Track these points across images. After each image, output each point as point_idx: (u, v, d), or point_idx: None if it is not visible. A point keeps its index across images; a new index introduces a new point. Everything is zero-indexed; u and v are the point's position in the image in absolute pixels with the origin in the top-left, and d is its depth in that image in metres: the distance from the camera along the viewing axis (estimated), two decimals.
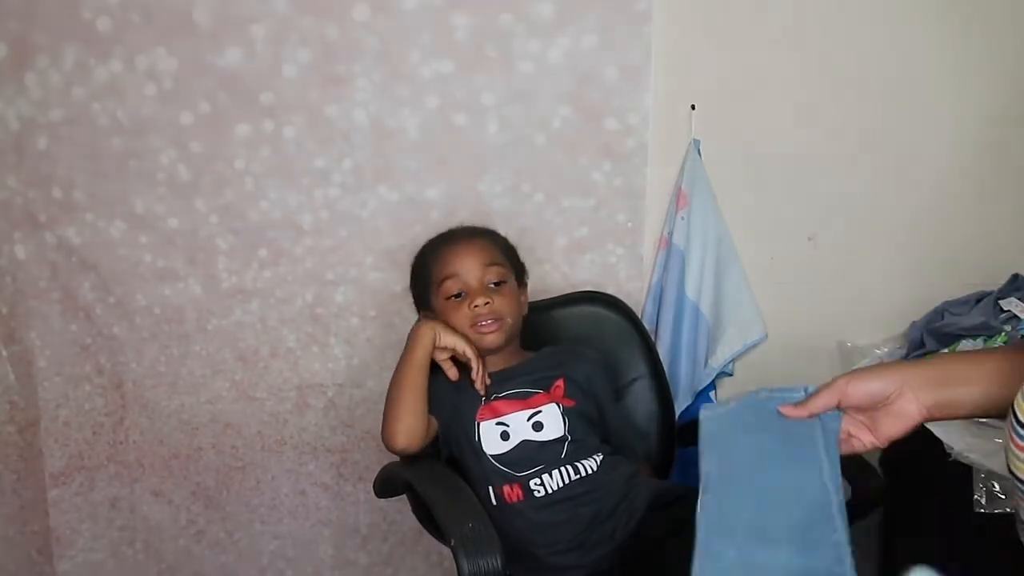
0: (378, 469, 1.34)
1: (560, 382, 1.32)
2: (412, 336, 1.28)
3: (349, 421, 1.65)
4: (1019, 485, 0.79)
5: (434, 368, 1.29)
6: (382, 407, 1.29)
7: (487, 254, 1.33)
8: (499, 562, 1.00)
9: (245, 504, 1.67)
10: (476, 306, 1.29)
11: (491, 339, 1.30)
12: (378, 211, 1.52)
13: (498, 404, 1.29)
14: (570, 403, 1.31)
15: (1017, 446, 0.77)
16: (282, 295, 1.56)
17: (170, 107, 1.43)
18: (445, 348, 1.27)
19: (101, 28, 1.38)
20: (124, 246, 1.50)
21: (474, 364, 1.27)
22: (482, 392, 1.29)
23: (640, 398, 1.45)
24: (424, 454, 1.28)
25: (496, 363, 1.33)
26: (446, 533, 1.06)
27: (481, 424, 1.28)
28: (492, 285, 1.32)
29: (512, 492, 1.24)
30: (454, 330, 1.28)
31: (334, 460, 1.67)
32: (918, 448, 1.52)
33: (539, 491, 1.24)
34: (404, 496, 1.33)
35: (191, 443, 1.62)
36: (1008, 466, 0.79)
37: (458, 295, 1.31)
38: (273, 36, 1.40)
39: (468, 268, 1.31)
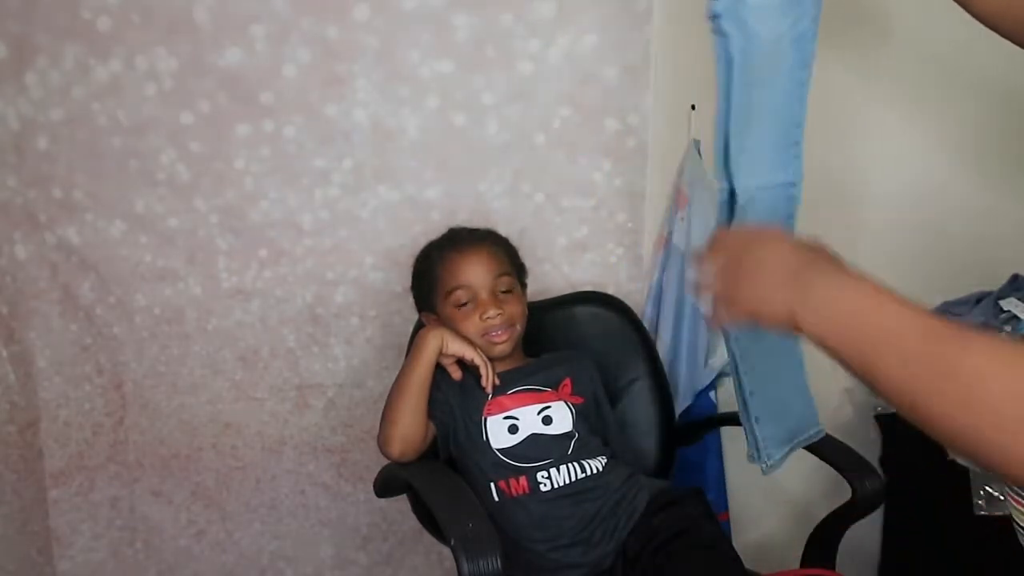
0: (378, 469, 1.34)
1: (568, 380, 1.33)
2: (418, 342, 1.28)
3: (349, 421, 1.65)
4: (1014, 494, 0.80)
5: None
6: (382, 407, 1.29)
7: (497, 263, 1.34)
8: (499, 562, 1.01)
9: (245, 504, 1.67)
10: (488, 317, 1.29)
11: (502, 348, 1.31)
12: (378, 211, 1.52)
13: (505, 400, 1.30)
14: (578, 400, 1.32)
15: (1017, 502, 0.78)
16: (282, 295, 1.56)
17: (170, 107, 1.43)
18: (453, 355, 1.28)
19: (101, 28, 1.37)
20: (124, 246, 1.50)
21: (483, 371, 1.28)
22: (489, 393, 1.29)
23: (640, 398, 1.45)
24: (423, 455, 1.29)
25: (501, 365, 1.33)
26: (446, 533, 1.06)
27: (488, 419, 1.28)
28: (501, 294, 1.32)
29: (517, 485, 1.24)
30: (461, 336, 1.29)
31: (334, 460, 1.67)
32: (918, 449, 1.52)
33: (545, 484, 1.24)
34: (404, 496, 1.34)
35: (191, 443, 1.62)
36: (1011, 516, 0.81)
37: (467, 303, 1.31)
38: (273, 36, 1.40)
39: (478, 278, 1.31)
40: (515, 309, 1.33)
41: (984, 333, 0.59)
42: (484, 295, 1.31)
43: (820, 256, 0.75)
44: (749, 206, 0.97)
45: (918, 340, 0.61)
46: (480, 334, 1.30)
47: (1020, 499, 0.81)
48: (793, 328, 0.71)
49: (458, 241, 1.37)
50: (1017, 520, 0.84)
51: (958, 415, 0.56)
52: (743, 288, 0.78)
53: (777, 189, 0.99)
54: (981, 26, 1.00)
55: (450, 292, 1.31)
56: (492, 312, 1.29)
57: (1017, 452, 0.53)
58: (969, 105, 1.60)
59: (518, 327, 1.33)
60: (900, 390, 0.61)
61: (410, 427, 1.24)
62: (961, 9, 1.00)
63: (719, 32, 0.91)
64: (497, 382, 1.30)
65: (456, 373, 1.30)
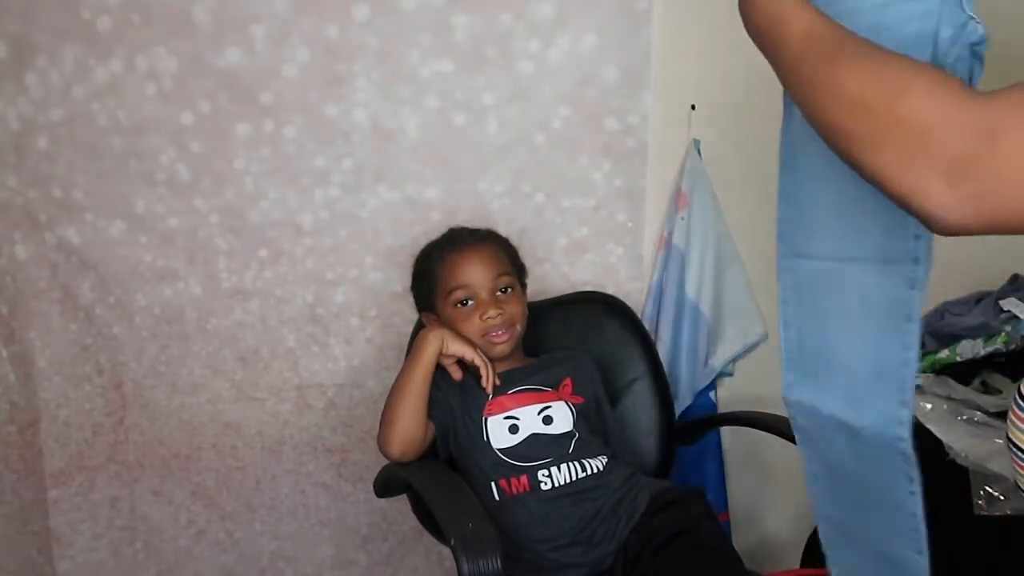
0: (378, 469, 1.33)
1: (568, 380, 1.33)
2: (418, 343, 1.28)
3: (349, 421, 1.65)
4: (1015, 452, 0.80)
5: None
6: (382, 407, 1.29)
7: (497, 263, 1.34)
8: (499, 562, 1.00)
9: (245, 504, 1.67)
10: (489, 318, 1.29)
11: (502, 348, 1.31)
12: (378, 211, 1.52)
13: (506, 400, 1.30)
14: (578, 400, 1.32)
15: (1018, 416, 0.78)
16: (282, 295, 1.56)
17: (170, 107, 1.43)
18: (453, 356, 1.28)
19: (101, 28, 1.37)
20: (124, 246, 1.50)
21: (483, 371, 1.28)
22: (490, 393, 1.29)
23: (640, 398, 1.45)
24: (423, 455, 1.29)
25: (501, 365, 1.33)
26: (446, 533, 1.06)
27: (489, 419, 1.28)
28: (501, 293, 1.32)
29: (518, 484, 1.24)
30: (462, 337, 1.29)
31: (334, 460, 1.67)
32: (918, 449, 1.52)
33: (546, 483, 1.24)
34: (404, 496, 1.34)
35: (191, 443, 1.62)
36: (1007, 433, 0.82)
37: (466, 303, 1.31)
38: (273, 36, 1.40)
39: (478, 278, 1.31)
40: (515, 309, 1.33)
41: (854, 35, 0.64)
42: (484, 295, 1.31)
43: None
44: None
45: (806, 27, 0.67)
46: (480, 334, 1.30)
47: (1020, 462, 0.81)
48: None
49: (458, 241, 1.37)
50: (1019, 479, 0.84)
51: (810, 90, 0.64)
52: None
53: None
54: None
55: (450, 292, 1.31)
56: (492, 312, 1.29)
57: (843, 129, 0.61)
58: None
59: (518, 327, 1.33)
60: (782, 65, 0.68)
61: (410, 427, 1.24)
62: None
63: None
64: (497, 382, 1.30)
65: (456, 373, 1.30)
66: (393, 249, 1.54)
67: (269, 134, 1.46)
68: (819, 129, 0.64)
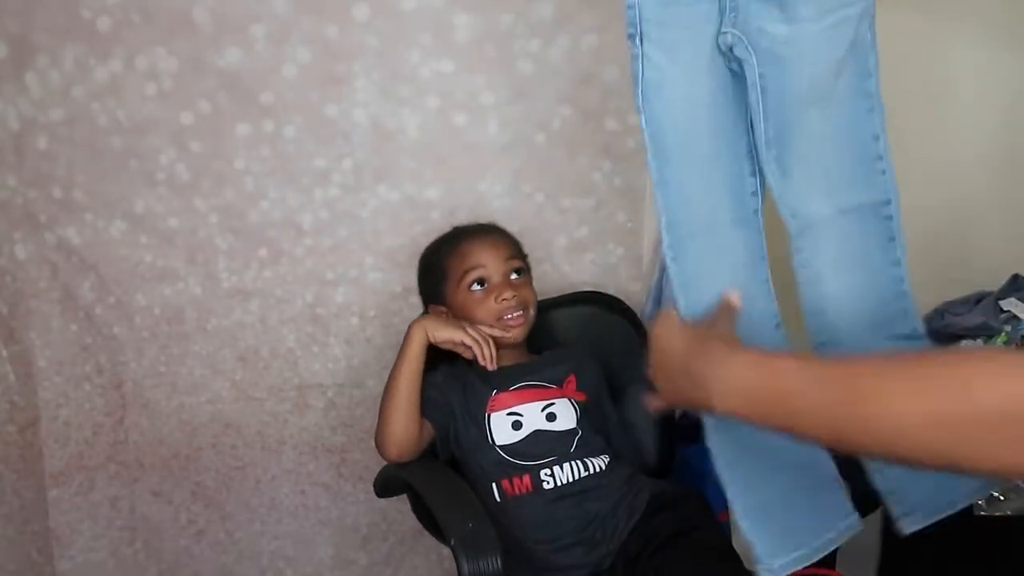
0: (378, 469, 1.34)
1: (572, 377, 1.33)
2: (404, 338, 1.28)
3: (349, 421, 1.65)
4: None
5: (428, 371, 1.28)
6: None
7: (506, 248, 1.35)
8: (499, 562, 1.01)
9: (245, 504, 1.67)
10: (504, 299, 1.29)
11: (517, 332, 1.31)
12: (378, 211, 1.52)
13: (508, 396, 1.29)
14: (581, 397, 1.32)
15: None
16: (282, 295, 1.56)
17: (170, 107, 1.43)
18: (446, 343, 1.27)
19: (101, 28, 1.37)
20: (124, 246, 1.50)
21: (477, 351, 1.26)
22: (492, 367, 1.26)
23: (640, 398, 1.45)
24: (423, 455, 1.28)
25: (505, 359, 1.33)
26: (446, 533, 1.06)
27: (492, 415, 1.28)
28: (513, 278, 1.32)
29: (520, 483, 1.24)
30: (447, 321, 1.28)
31: (334, 460, 1.67)
32: None
33: (548, 483, 1.24)
34: (404, 496, 1.34)
35: (191, 443, 1.62)
36: None
37: (482, 283, 1.30)
38: (273, 36, 1.40)
39: (490, 261, 1.31)
40: (528, 293, 1.33)
41: (864, 357, 0.64)
42: (497, 279, 1.31)
43: (708, 341, 0.80)
44: (822, 231, 0.95)
45: (816, 391, 0.65)
46: (496, 318, 1.29)
47: None
48: (712, 412, 0.75)
49: (466, 232, 1.38)
50: None
51: (872, 439, 0.61)
52: (662, 381, 0.89)
53: (863, 210, 0.96)
54: None
55: (464, 274, 1.31)
56: (508, 294, 1.29)
57: (935, 451, 0.57)
58: (972, 106, 1.60)
59: (531, 312, 1.33)
60: (819, 435, 0.66)
61: (403, 426, 1.24)
62: None
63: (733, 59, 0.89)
64: (495, 356, 1.27)
65: (468, 353, 1.26)
66: (393, 249, 1.54)
67: (269, 134, 1.46)
68: (899, 460, 0.61)
